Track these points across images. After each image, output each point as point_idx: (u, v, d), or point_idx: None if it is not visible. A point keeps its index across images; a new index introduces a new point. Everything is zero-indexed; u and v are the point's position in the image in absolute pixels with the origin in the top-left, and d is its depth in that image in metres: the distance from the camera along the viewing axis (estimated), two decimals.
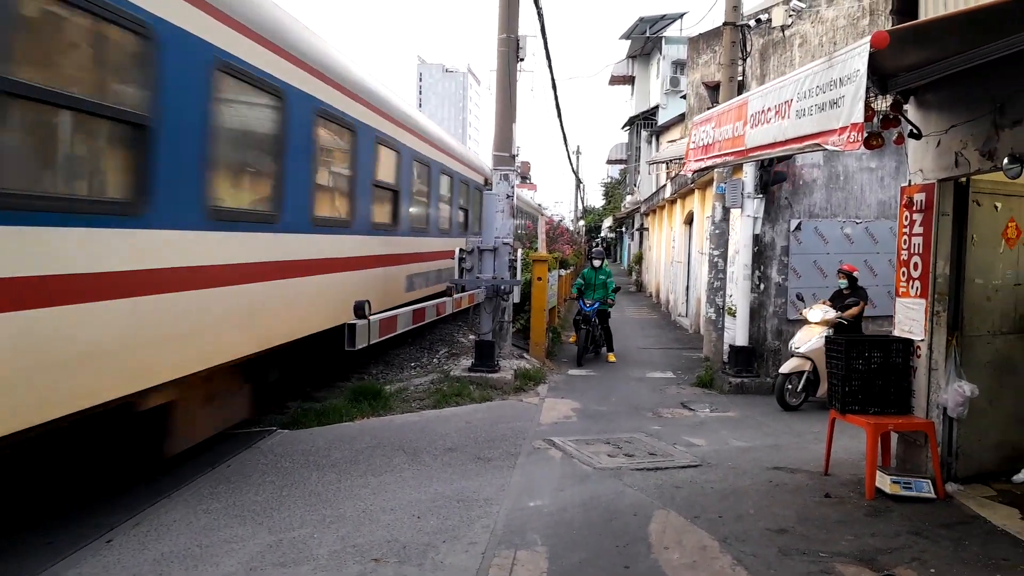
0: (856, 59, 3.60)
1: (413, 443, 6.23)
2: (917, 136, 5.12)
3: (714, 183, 10.64)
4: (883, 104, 4.95)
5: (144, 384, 4.32)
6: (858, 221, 9.79)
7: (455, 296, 8.19)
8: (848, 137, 3.60)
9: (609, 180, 56.35)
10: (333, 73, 6.93)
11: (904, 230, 5.43)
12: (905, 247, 5.42)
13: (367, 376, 9.47)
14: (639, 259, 30.86)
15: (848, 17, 14.36)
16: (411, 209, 9.79)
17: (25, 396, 3.49)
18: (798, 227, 9.66)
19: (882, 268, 9.54)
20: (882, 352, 5.31)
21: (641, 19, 34.36)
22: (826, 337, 6.82)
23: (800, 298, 9.10)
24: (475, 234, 13.18)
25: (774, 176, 9.48)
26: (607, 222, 51.14)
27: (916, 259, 5.30)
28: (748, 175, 9.39)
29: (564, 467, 5.73)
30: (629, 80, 40.59)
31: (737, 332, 9.54)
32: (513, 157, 9.97)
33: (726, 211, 10.44)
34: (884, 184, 9.77)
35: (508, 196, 9.69)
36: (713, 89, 18.46)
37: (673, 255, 19.07)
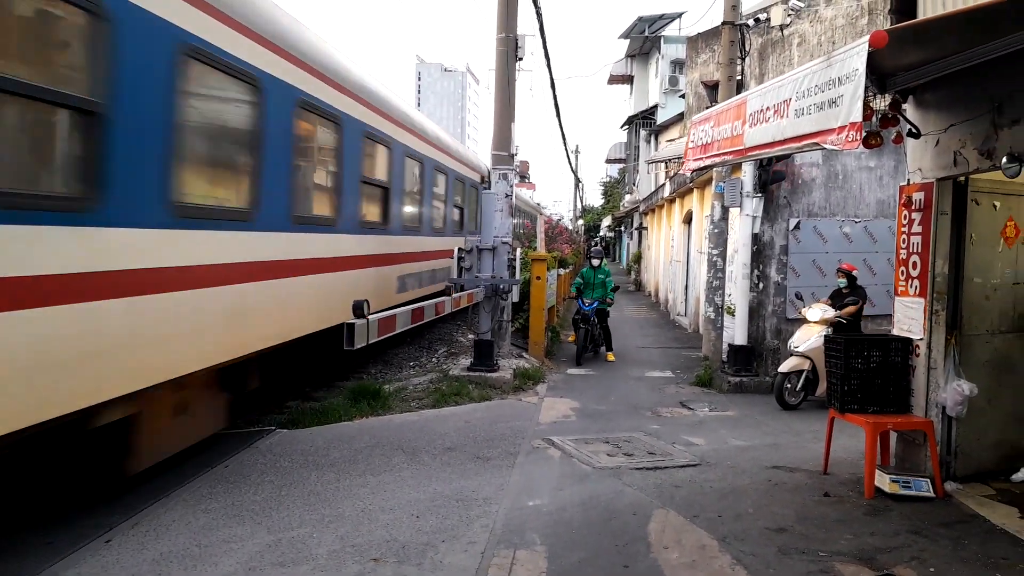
0: (855, 58, 3.60)
1: (412, 442, 6.23)
2: (916, 135, 5.12)
3: (713, 182, 10.64)
4: (882, 103, 4.95)
5: (93, 400, 3.93)
6: (857, 220, 9.79)
7: (454, 295, 8.18)
8: (847, 136, 3.60)
9: (608, 179, 56.41)
10: (316, 62, 6.54)
11: (903, 229, 5.43)
12: (904, 246, 5.42)
13: (366, 375, 9.48)
14: (638, 258, 30.88)
15: (847, 16, 14.36)
16: (403, 207, 9.47)
17: None
18: (797, 226, 9.67)
19: (881, 267, 9.55)
20: (881, 351, 5.31)
21: (640, 18, 34.37)
22: (825, 336, 6.84)
23: (799, 297, 9.10)
24: (471, 233, 13.02)
25: (773, 175, 9.49)
26: (606, 221, 51.17)
27: (915, 258, 5.31)
28: (747, 174, 9.39)
29: (563, 466, 5.73)
30: (628, 79, 40.60)
31: (736, 331, 9.54)
32: (512, 156, 9.96)
33: (725, 210, 10.44)
34: (883, 183, 9.78)
35: (507, 195, 9.68)
36: (712, 88, 18.45)
37: (672, 254, 19.08)
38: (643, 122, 33.15)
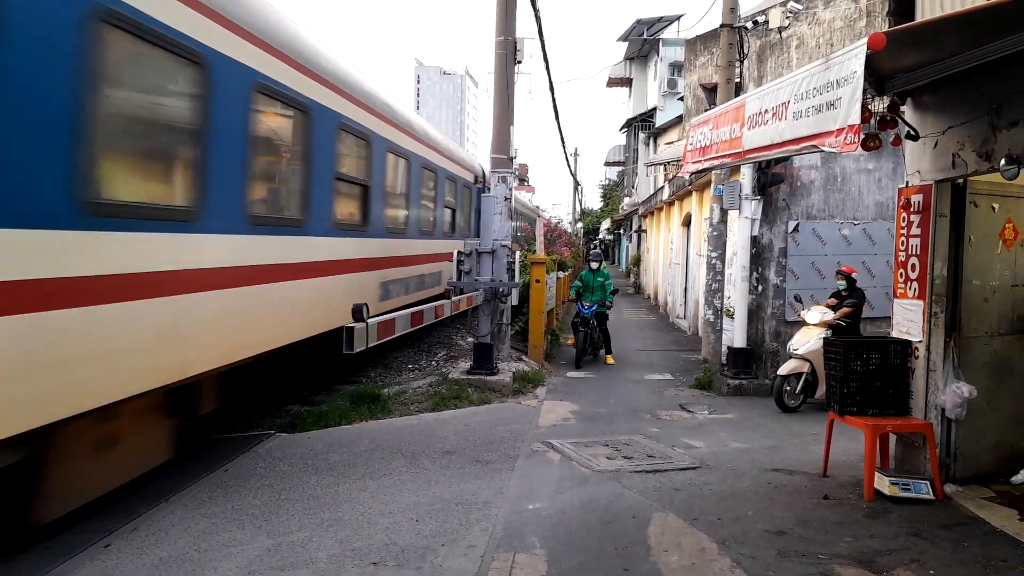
0: (853, 60, 3.60)
1: (411, 446, 6.22)
2: (914, 137, 5.13)
3: (712, 185, 10.65)
4: (880, 105, 4.96)
5: None
6: (856, 222, 9.80)
7: (453, 299, 8.17)
8: (845, 139, 3.61)
9: (607, 182, 56.42)
10: (277, 41, 5.80)
11: (902, 231, 5.44)
12: (903, 248, 5.42)
13: (365, 379, 9.47)
14: (637, 261, 30.87)
15: (845, 19, 14.39)
16: (385, 208, 8.77)
17: None
18: (796, 228, 9.67)
19: (880, 269, 9.55)
20: (880, 353, 5.31)
21: (639, 21, 34.45)
22: (824, 339, 6.84)
23: (798, 299, 9.10)
24: (464, 236, 12.69)
25: (772, 178, 9.50)
26: (605, 224, 51.19)
27: (914, 260, 5.31)
28: (746, 177, 9.40)
29: (563, 470, 5.73)
30: (627, 82, 40.66)
31: (735, 334, 9.54)
32: (511, 159, 9.97)
33: (724, 213, 10.45)
34: (882, 185, 9.79)
35: (506, 198, 9.68)
36: (711, 91, 18.49)
37: (671, 257, 19.08)
38: (642, 125, 33.19)
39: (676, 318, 17.49)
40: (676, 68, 29.07)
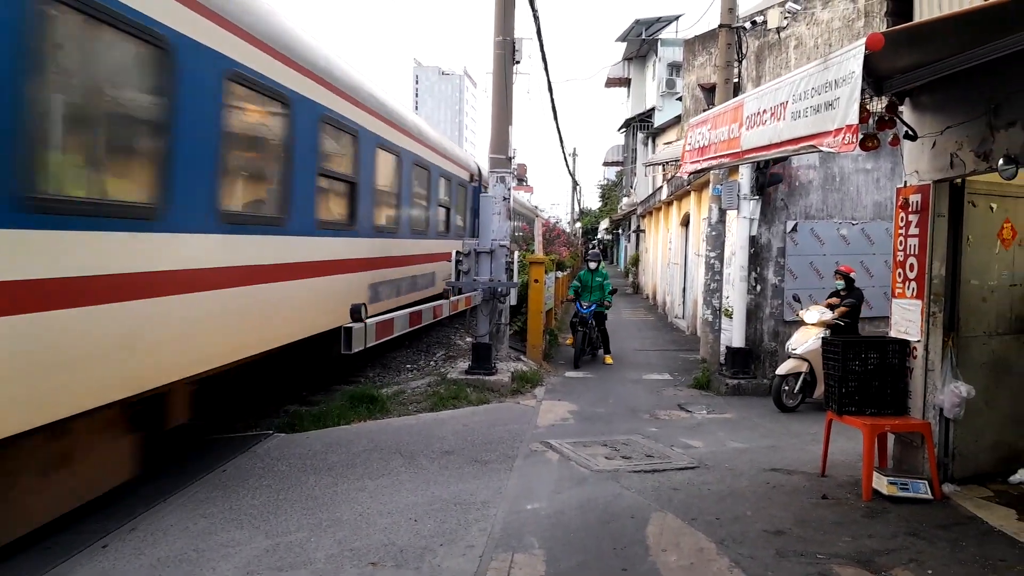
0: (851, 61, 3.61)
1: (410, 446, 6.22)
2: (913, 137, 5.13)
3: (710, 185, 10.66)
4: (878, 105, 4.97)
5: None
6: (854, 222, 9.81)
7: (452, 299, 8.17)
8: (843, 139, 3.61)
9: (606, 182, 56.47)
10: (253, 26, 5.45)
11: (900, 231, 5.45)
12: (901, 248, 5.43)
13: (364, 379, 9.46)
14: (636, 261, 30.89)
15: (843, 19, 14.40)
16: (374, 207, 8.42)
17: None
18: (794, 228, 9.68)
19: (878, 269, 9.56)
20: (878, 353, 5.31)
21: (637, 21, 34.43)
22: (823, 338, 6.84)
23: (797, 299, 9.11)
24: (459, 236, 12.56)
25: (770, 178, 9.51)
26: (603, 224, 51.21)
27: (912, 260, 5.32)
28: (744, 177, 9.40)
29: (561, 470, 5.73)
30: (625, 82, 40.67)
31: (734, 334, 9.55)
32: (510, 159, 9.98)
33: (722, 213, 10.46)
34: (880, 185, 9.80)
35: (505, 198, 9.68)
36: (709, 91, 18.48)
37: (670, 257, 19.09)
38: (640, 125, 33.19)
39: (674, 318, 17.50)
40: (675, 68, 29.08)
